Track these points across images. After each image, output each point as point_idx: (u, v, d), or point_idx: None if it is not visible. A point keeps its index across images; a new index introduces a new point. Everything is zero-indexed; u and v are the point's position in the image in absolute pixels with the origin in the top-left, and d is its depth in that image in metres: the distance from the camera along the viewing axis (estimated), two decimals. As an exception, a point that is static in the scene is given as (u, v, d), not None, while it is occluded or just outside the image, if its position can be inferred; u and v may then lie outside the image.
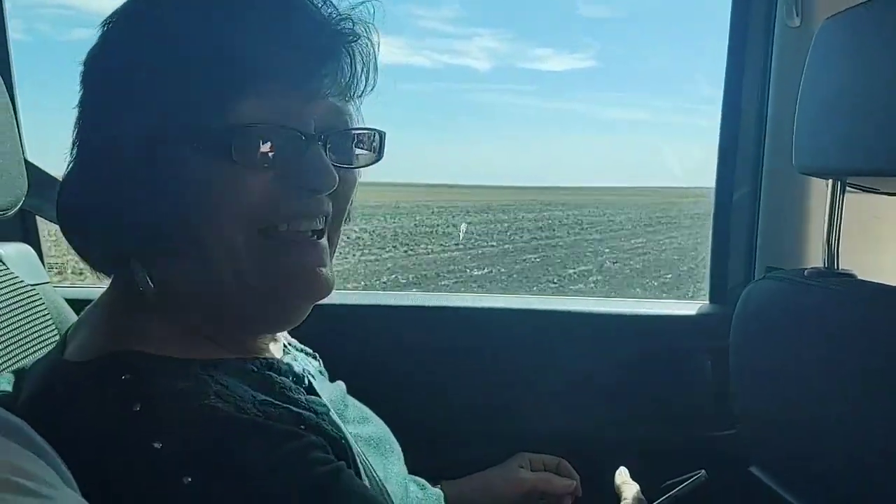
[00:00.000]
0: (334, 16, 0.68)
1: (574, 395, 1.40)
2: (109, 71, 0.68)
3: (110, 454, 0.59)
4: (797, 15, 1.26)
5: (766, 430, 1.12)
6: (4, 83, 0.97)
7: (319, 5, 0.68)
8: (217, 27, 0.64)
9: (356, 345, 1.31)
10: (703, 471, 1.06)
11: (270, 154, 0.65)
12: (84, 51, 0.70)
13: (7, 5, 1.39)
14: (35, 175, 1.00)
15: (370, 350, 1.38)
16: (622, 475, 1.10)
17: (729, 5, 1.40)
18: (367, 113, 0.74)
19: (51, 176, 1.19)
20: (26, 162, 1.00)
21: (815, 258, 1.21)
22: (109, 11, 0.71)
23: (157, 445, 0.58)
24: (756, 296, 1.11)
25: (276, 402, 0.67)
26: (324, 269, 0.71)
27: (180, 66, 0.63)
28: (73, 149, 0.70)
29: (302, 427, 0.66)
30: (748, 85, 1.40)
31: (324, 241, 0.71)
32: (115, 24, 0.69)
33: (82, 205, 0.68)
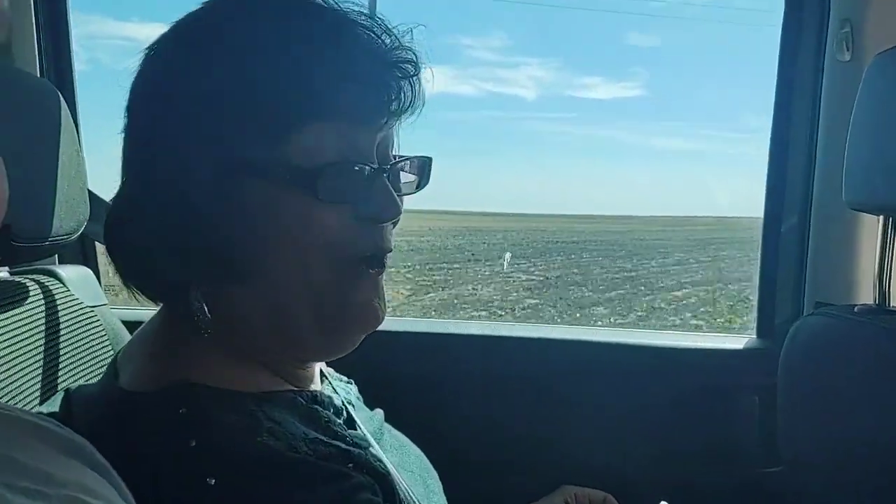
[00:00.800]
0: (395, 46, 0.68)
1: (618, 429, 1.39)
2: (172, 99, 0.66)
3: (165, 487, 0.60)
4: (847, 49, 1.26)
5: (815, 469, 1.09)
6: (70, 112, 1.01)
7: (380, 34, 0.68)
8: (287, 58, 0.65)
9: (394, 371, 1.31)
10: None
11: (346, 190, 0.66)
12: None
13: (73, 36, 1.45)
14: (93, 202, 1.04)
15: (408, 377, 1.38)
16: None
17: (778, 38, 1.39)
18: (413, 140, 0.75)
19: (108, 203, 1.23)
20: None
21: (866, 294, 1.19)
22: None
23: (211, 482, 0.59)
24: (805, 332, 1.09)
25: (325, 440, 0.68)
26: (380, 302, 0.72)
27: (253, 95, 0.64)
28: (124, 175, 0.71)
29: (350, 465, 0.66)
30: (797, 118, 1.39)
31: (383, 268, 0.72)
32: (172, 51, 0.68)
33: (141, 231, 0.68)
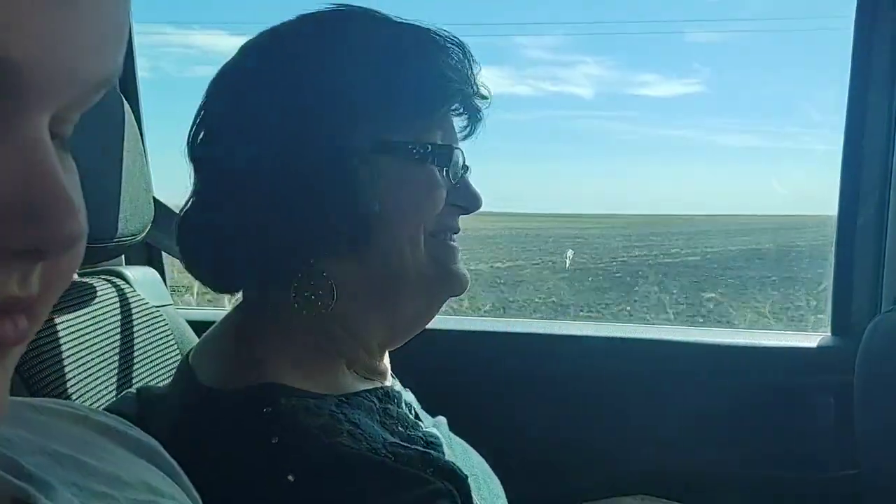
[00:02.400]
0: (476, 72, 0.77)
1: (681, 430, 1.34)
2: (316, 86, 0.71)
3: (246, 482, 0.62)
4: (927, 32, 1.19)
5: (892, 475, 1.04)
6: (135, 117, 1.04)
7: (471, 64, 0.76)
8: (423, 59, 0.73)
9: (451, 374, 1.30)
10: None
11: (458, 174, 0.77)
12: (203, 88, 0.74)
13: (135, 43, 1.48)
14: (158, 209, 1.06)
15: (465, 379, 1.36)
16: None
17: (851, 31, 1.33)
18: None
19: (172, 210, 1.26)
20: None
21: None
22: (231, 50, 0.75)
23: (291, 479, 0.61)
24: (884, 329, 1.04)
25: (404, 444, 0.69)
26: (462, 265, 0.80)
27: (399, 87, 0.72)
28: (202, 172, 0.74)
29: (430, 471, 0.67)
30: (872, 109, 1.32)
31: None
32: (306, 45, 0.73)
33: (237, 224, 0.70)
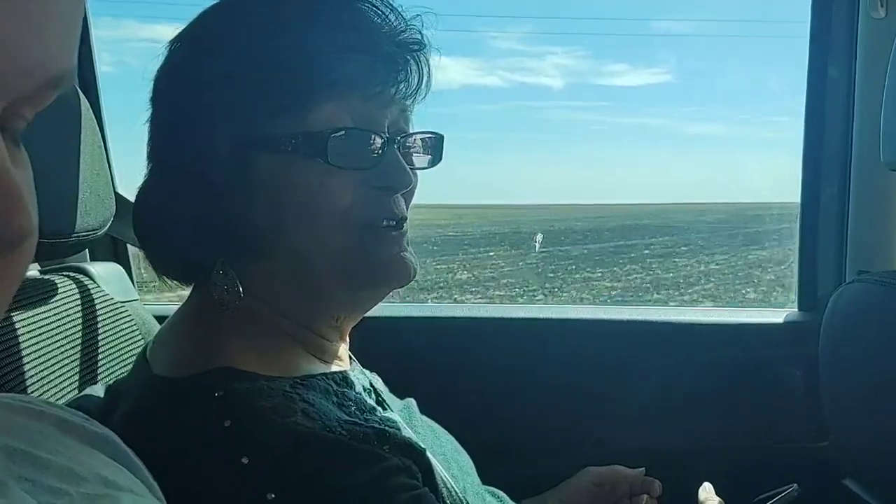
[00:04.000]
0: (401, 25, 0.71)
1: (656, 408, 1.36)
2: (189, 84, 0.71)
3: (200, 467, 0.62)
4: (882, 6, 1.21)
5: (860, 441, 1.06)
6: (94, 110, 1.02)
7: (387, 13, 0.71)
8: (297, 35, 0.68)
9: (421, 358, 1.31)
10: (795, 485, 1.01)
11: (356, 156, 0.69)
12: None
13: (93, 36, 1.45)
14: (120, 203, 1.05)
15: (435, 363, 1.36)
16: (706, 491, 1.06)
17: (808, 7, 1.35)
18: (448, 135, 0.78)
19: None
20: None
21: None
22: None
23: (245, 461, 0.60)
24: (845, 300, 1.06)
25: (360, 422, 0.68)
26: (407, 254, 0.74)
27: (264, 73, 0.67)
28: (149, 164, 0.74)
29: (386, 447, 0.67)
30: (832, 80, 1.34)
31: (403, 230, 0.75)
32: (189, 41, 0.73)
33: (166, 215, 0.71)
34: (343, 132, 0.67)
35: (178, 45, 0.73)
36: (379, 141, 0.70)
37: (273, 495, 0.59)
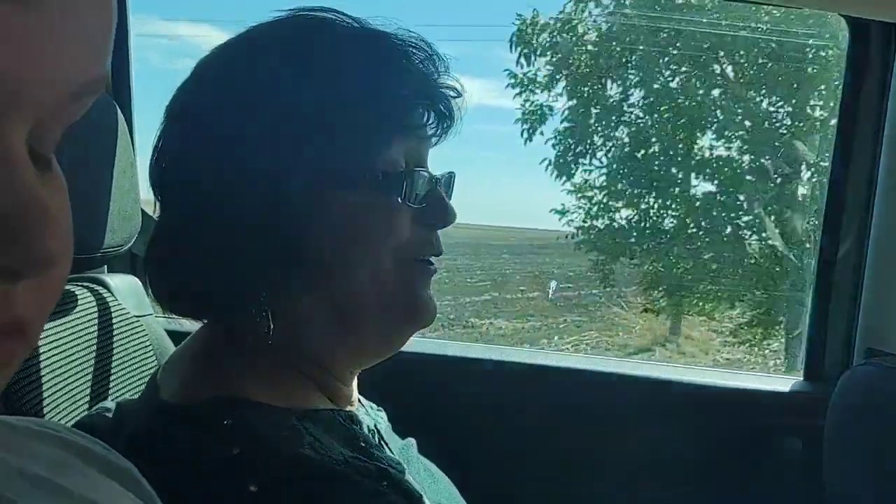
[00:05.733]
0: (444, 70, 0.75)
1: (650, 469, 1.35)
2: (263, 109, 0.68)
3: (207, 494, 0.62)
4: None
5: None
6: (126, 124, 1.03)
7: (436, 59, 0.74)
8: (375, 77, 0.71)
9: (424, 398, 1.30)
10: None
11: (420, 195, 0.73)
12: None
13: (132, 43, 1.45)
14: (144, 220, 1.05)
15: (437, 404, 1.35)
16: None
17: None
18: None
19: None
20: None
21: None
22: (215, 42, 0.74)
23: (253, 488, 0.61)
24: (856, 382, 1.06)
25: (364, 459, 0.69)
26: (432, 299, 0.77)
27: (346, 111, 0.69)
28: (166, 195, 0.73)
29: (384, 484, 0.67)
30: (857, 151, 1.35)
31: (434, 269, 0.78)
32: (249, 63, 0.71)
33: (210, 241, 0.69)
34: (414, 172, 0.72)
35: (233, 63, 0.72)
36: (430, 180, 0.75)
37: None
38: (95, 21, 0.29)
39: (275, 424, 0.66)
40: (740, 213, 6.42)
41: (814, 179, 5.94)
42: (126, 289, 1.13)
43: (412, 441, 0.89)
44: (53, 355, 0.89)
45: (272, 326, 0.69)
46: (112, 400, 0.90)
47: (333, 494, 0.63)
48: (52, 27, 0.27)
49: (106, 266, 1.27)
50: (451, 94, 0.75)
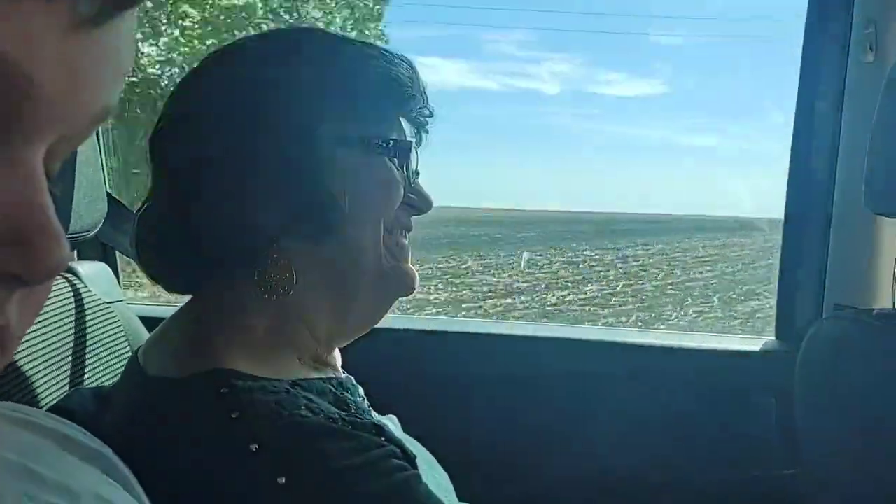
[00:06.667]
0: (417, 78, 0.82)
1: (629, 433, 1.37)
2: (289, 84, 0.74)
3: (209, 458, 0.64)
4: (871, 50, 1.24)
5: (831, 472, 1.09)
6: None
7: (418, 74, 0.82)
8: (384, 63, 0.78)
9: (400, 373, 1.31)
10: None
11: (413, 172, 0.81)
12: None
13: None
14: (111, 206, 1.04)
15: (414, 378, 1.37)
16: None
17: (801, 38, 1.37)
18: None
19: (126, 206, 1.25)
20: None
21: (885, 298, 1.18)
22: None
23: (254, 448, 0.63)
24: (822, 335, 1.08)
25: (358, 418, 0.71)
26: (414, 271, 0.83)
27: (367, 86, 0.77)
28: (170, 161, 0.75)
29: (383, 439, 0.70)
30: (819, 119, 1.36)
31: None
32: (283, 52, 0.78)
33: (232, 187, 0.72)
34: (415, 149, 0.81)
35: (259, 50, 0.78)
36: (417, 163, 0.82)
37: (283, 479, 0.62)
38: (129, 53, 0.31)
39: (269, 391, 0.68)
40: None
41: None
42: (96, 276, 1.12)
43: (393, 417, 0.91)
44: (26, 345, 0.89)
45: (294, 276, 0.73)
46: (87, 386, 0.90)
47: (333, 447, 0.65)
48: (105, 58, 0.29)
49: (76, 253, 1.26)
50: (428, 110, 0.82)
